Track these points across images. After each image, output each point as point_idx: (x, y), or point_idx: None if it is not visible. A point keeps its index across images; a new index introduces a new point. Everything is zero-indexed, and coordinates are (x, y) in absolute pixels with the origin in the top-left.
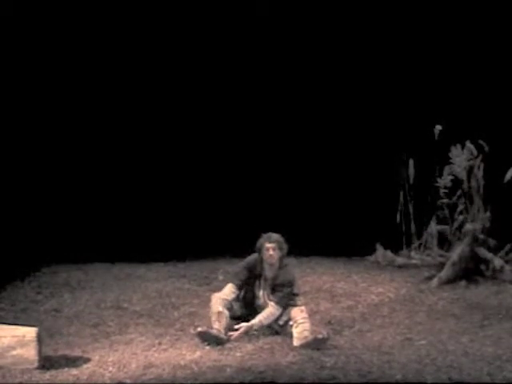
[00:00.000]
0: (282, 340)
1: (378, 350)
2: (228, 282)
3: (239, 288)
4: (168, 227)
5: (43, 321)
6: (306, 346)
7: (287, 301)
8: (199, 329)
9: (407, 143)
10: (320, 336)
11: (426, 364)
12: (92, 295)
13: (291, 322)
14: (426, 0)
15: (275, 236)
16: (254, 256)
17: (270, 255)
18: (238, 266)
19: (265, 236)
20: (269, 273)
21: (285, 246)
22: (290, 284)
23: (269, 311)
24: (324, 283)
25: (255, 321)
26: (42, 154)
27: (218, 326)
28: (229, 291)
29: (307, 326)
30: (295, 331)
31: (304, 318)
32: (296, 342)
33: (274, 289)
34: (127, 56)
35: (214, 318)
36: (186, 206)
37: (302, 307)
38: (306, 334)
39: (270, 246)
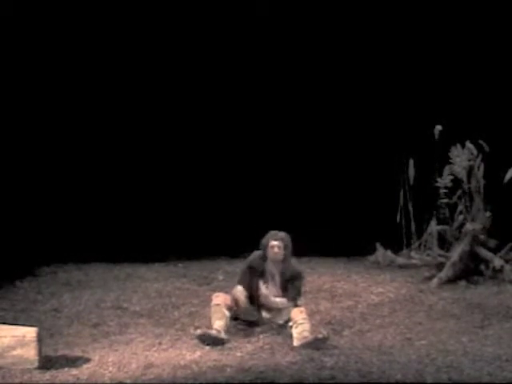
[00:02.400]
0: (282, 340)
1: (378, 350)
2: (236, 285)
3: (247, 289)
4: (168, 227)
5: (43, 321)
6: (306, 346)
7: (300, 294)
8: (198, 331)
9: (407, 143)
10: (320, 336)
11: (426, 364)
12: (92, 295)
13: (290, 323)
14: (426, 0)
15: (281, 234)
16: (254, 254)
17: (275, 253)
18: (241, 267)
19: (271, 233)
20: (273, 270)
21: (290, 245)
22: (300, 276)
23: (284, 301)
24: (324, 283)
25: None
26: (41, 153)
27: (217, 327)
28: (239, 293)
29: (307, 326)
30: (295, 331)
31: (304, 318)
32: (296, 343)
33: (285, 285)
34: (127, 56)
35: (213, 319)
36: (185, 206)
37: (302, 308)
38: (306, 334)
39: (276, 244)
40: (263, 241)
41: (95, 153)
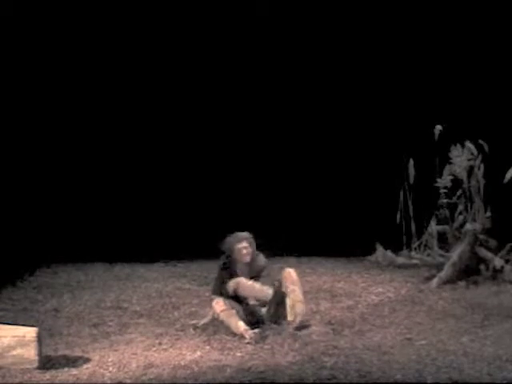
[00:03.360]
0: (281, 340)
1: (378, 350)
2: (214, 298)
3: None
4: (168, 227)
5: (43, 321)
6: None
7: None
8: (251, 339)
9: (407, 143)
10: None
11: (426, 364)
12: (92, 295)
13: (283, 288)
14: (426, 0)
15: (244, 234)
16: (223, 259)
17: (244, 254)
18: (215, 279)
19: (234, 236)
20: (243, 269)
21: (253, 242)
22: (264, 269)
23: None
24: (324, 283)
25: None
26: (42, 153)
27: (244, 326)
28: (223, 301)
29: (297, 294)
30: (288, 304)
31: (293, 282)
32: (289, 317)
33: (256, 280)
34: (127, 56)
35: (233, 322)
36: (186, 205)
37: (291, 270)
38: (297, 310)
39: (243, 246)
40: (226, 245)
41: (95, 153)
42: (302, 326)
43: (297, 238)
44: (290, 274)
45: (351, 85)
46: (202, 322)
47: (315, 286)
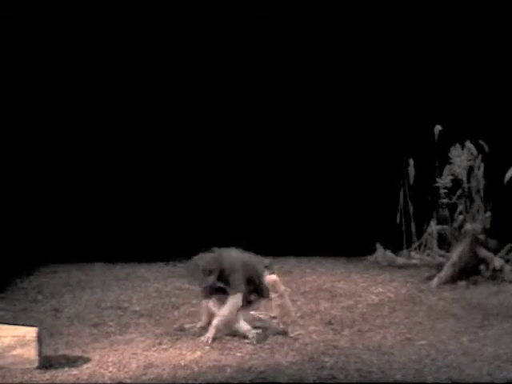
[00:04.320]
0: (282, 340)
1: (378, 350)
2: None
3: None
4: (168, 227)
5: (43, 321)
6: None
7: (241, 284)
8: (254, 339)
9: (407, 143)
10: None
11: (426, 364)
12: (92, 295)
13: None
14: (426, 0)
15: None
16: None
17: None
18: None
19: (199, 262)
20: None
21: (217, 261)
22: (233, 270)
23: (228, 304)
24: (324, 283)
25: (216, 321)
26: (41, 153)
27: (246, 325)
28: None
29: (285, 306)
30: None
31: (281, 295)
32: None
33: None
34: (127, 56)
35: (236, 323)
36: (185, 205)
37: (274, 277)
38: (288, 320)
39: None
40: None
41: (95, 153)
42: (302, 326)
43: (296, 238)
44: (275, 283)
45: (351, 85)
46: (198, 325)
47: (315, 286)
